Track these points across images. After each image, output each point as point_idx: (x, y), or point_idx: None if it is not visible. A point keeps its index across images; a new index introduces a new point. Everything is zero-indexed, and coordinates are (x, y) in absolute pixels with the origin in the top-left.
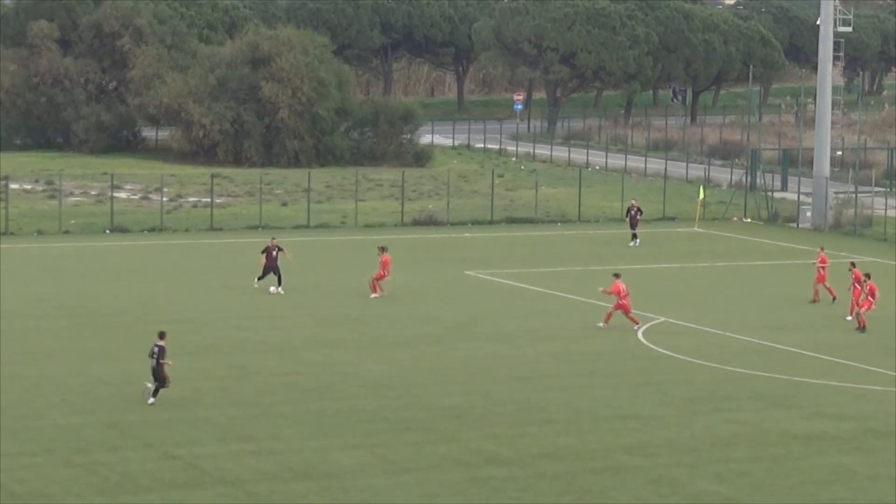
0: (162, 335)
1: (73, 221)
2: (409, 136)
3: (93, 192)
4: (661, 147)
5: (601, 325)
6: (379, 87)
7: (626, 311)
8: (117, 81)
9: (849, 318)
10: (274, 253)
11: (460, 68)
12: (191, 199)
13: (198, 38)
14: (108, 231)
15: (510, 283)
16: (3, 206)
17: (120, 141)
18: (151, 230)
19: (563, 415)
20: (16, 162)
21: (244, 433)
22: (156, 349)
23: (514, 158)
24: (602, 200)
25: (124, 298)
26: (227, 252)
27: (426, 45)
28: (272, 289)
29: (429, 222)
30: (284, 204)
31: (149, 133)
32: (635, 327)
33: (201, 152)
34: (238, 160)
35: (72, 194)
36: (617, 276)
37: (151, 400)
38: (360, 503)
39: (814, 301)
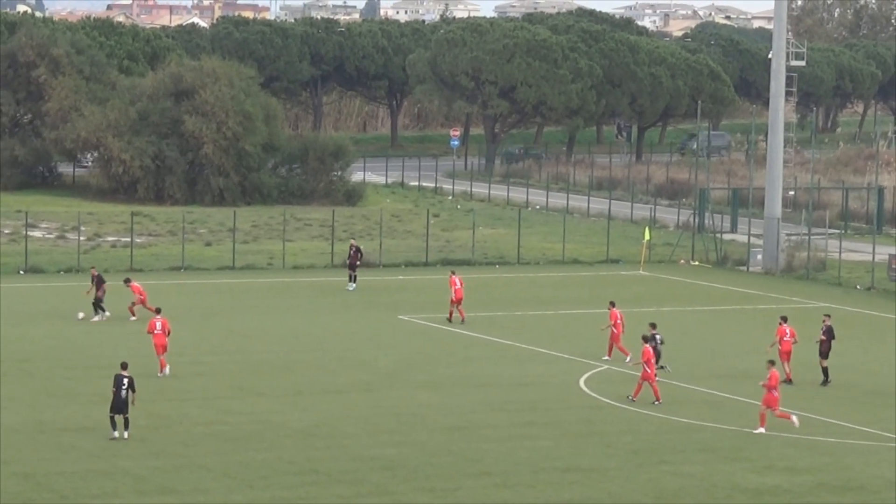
0: (125, 366)
1: None
2: (339, 173)
3: (6, 231)
4: (605, 186)
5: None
6: (308, 122)
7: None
8: (32, 114)
9: (606, 357)
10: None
11: (394, 102)
12: (110, 239)
13: (118, 68)
14: (21, 272)
15: (445, 328)
16: None
17: (35, 177)
18: (68, 271)
19: (500, 467)
20: None
21: (165, 485)
22: (125, 380)
23: (450, 197)
24: (542, 242)
25: (38, 343)
26: (148, 294)
27: (358, 77)
28: (95, 318)
29: (361, 264)
30: (208, 244)
31: (66, 169)
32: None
33: (121, 189)
34: (160, 198)
35: None
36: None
37: (124, 434)
38: None
39: (449, 320)
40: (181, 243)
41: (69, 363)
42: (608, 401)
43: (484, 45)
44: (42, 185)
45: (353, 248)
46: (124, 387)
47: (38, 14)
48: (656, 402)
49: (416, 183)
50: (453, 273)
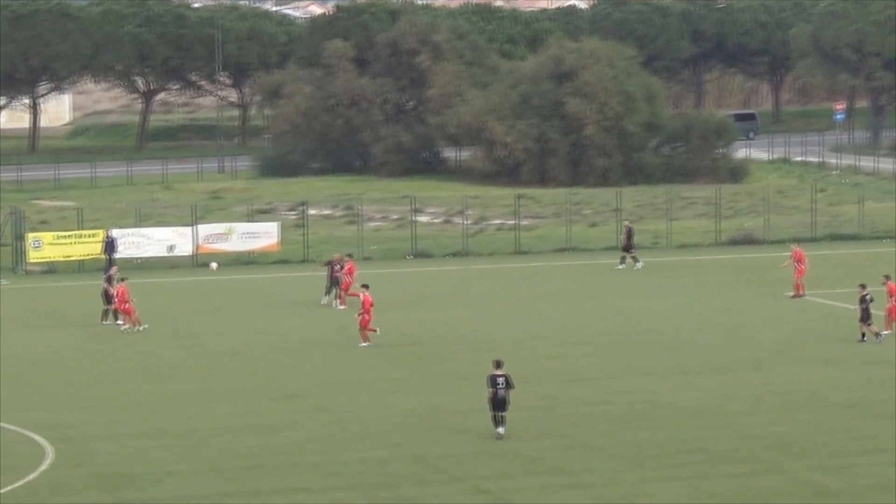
0: (499, 364)
1: (373, 247)
2: (722, 150)
3: (393, 217)
4: None
5: None
6: (690, 100)
7: None
8: (416, 101)
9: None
10: (336, 267)
11: (776, 77)
12: (495, 222)
13: (498, 52)
14: (409, 256)
15: (835, 304)
16: (303, 232)
17: (419, 163)
18: (454, 255)
19: (895, 444)
20: (313, 187)
21: (555, 466)
22: (500, 379)
23: (835, 171)
24: None
25: (427, 326)
26: (535, 276)
27: (739, 53)
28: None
29: (746, 241)
30: (593, 225)
31: (449, 154)
32: None
33: (504, 172)
34: (543, 180)
35: (372, 219)
36: None
37: (502, 430)
38: None
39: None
40: (566, 224)
41: (456, 347)
42: None
43: (868, 16)
44: (426, 171)
45: (628, 229)
46: (500, 386)
47: (418, 2)
48: None
49: (801, 158)
50: (797, 245)
